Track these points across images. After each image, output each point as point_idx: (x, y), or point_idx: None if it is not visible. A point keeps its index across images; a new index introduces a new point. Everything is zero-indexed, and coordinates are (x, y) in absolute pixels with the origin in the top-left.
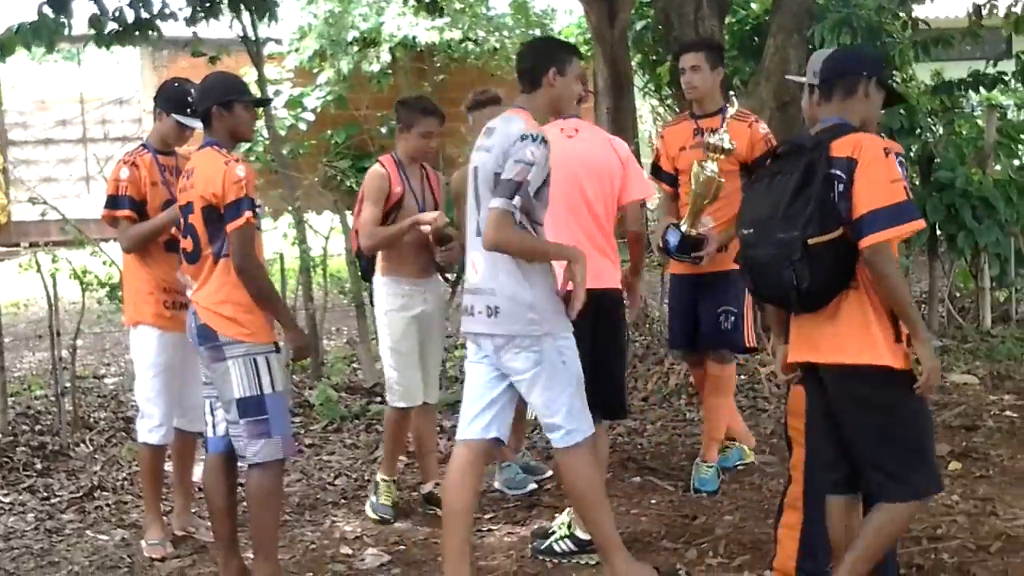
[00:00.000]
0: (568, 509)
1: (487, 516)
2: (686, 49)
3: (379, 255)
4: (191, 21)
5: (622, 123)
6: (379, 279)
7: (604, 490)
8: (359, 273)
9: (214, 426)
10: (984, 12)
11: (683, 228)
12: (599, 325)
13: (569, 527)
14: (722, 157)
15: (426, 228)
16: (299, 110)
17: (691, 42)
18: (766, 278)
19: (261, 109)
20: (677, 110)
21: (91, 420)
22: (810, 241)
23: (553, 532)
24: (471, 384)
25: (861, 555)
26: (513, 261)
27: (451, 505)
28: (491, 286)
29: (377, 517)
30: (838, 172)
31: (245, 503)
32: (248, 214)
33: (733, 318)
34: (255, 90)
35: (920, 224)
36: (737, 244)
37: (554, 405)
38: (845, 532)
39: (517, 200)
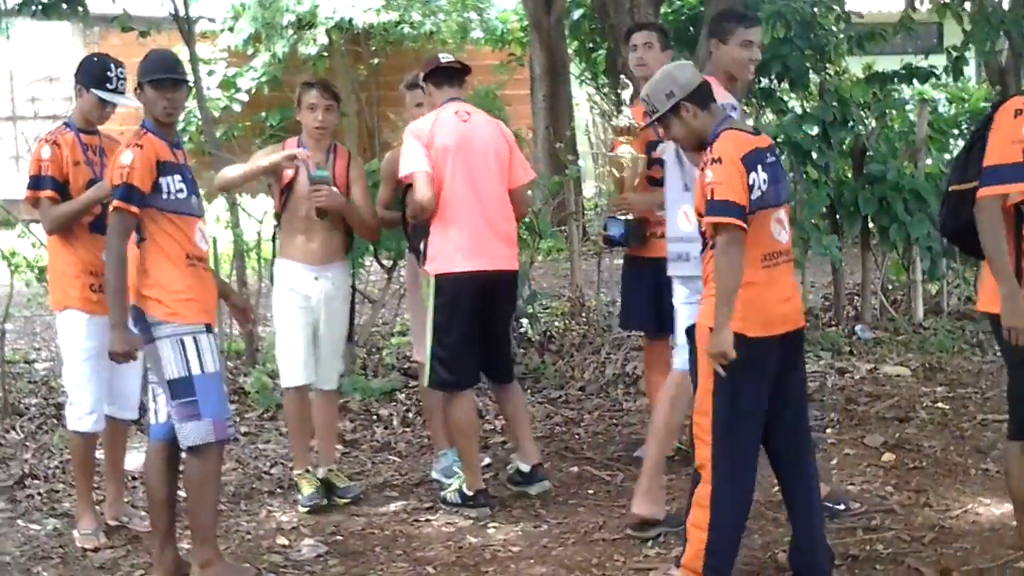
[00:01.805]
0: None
1: (425, 507)
2: (639, 28)
3: (281, 238)
4: None
5: (558, 110)
6: (277, 260)
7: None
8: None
9: (156, 412)
10: (917, 3)
11: (627, 216)
12: (494, 304)
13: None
14: (632, 138)
15: (296, 165)
16: (233, 91)
17: (644, 22)
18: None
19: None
20: (613, 97)
21: (21, 406)
22: (951, 188)
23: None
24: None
25: None
26: None
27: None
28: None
29: (308, 508)
30: (986, 130)
31: (183, 490)
32: (117, 203)
33: None
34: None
35: None
36: None
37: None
38: None
39: None
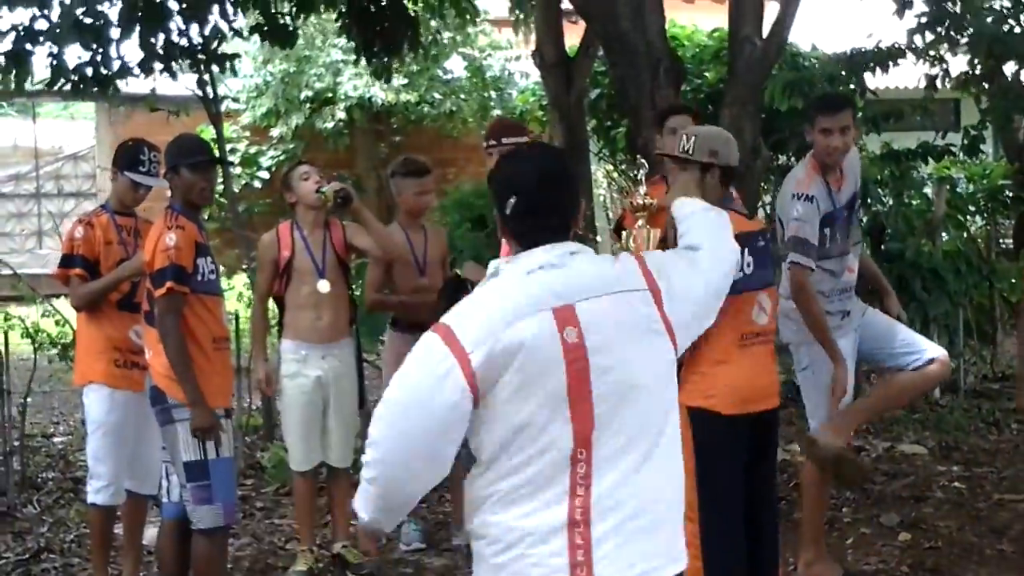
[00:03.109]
0: None
1: None
2: (677, 111)
3: (286, 320)
4: (144, 69)
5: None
6: (283, 342)
7: (824, 491)
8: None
9: (168, 491)
10: (938, 82)
11: None
12: None
13: None
14: (646, 214)
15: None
16: (254, 169)
17: (680, 105)
18: None
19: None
20: (631, 175)
21: (39, 480)
22: None
23: None
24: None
25: None
26: None
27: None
28: None
29: None
30: None
31: (193, 571)
32: (169, 284)
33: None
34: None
35: None
36: None
37: (806, 402)
38: None
39: (798, 256)
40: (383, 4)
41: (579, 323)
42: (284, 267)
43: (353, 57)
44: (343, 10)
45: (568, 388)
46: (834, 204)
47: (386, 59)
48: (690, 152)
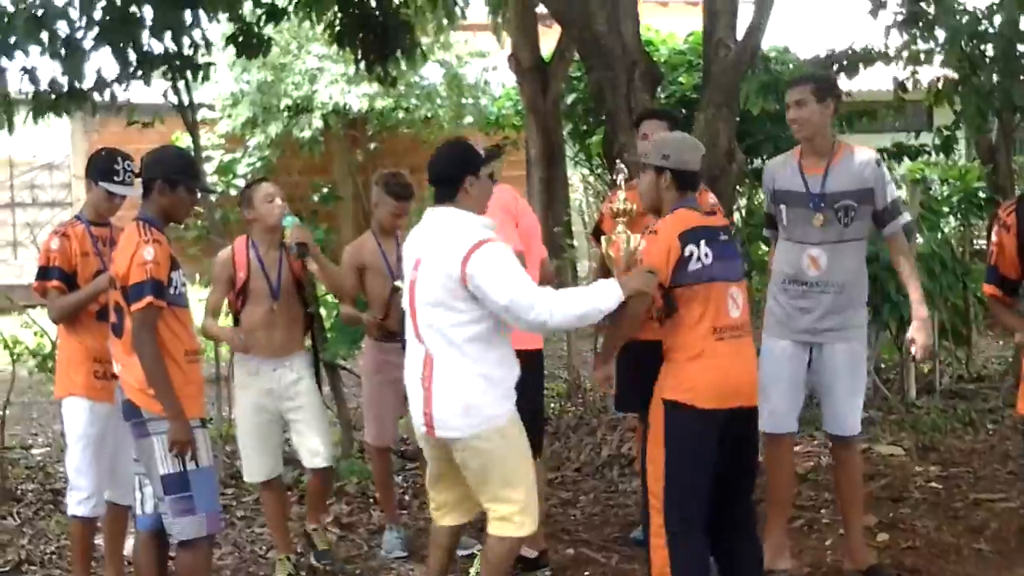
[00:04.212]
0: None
1: None
2: (649, 116)
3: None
4: (120, 80)
5: (554, 192)
6: (236, 356)
7: (789, 483)
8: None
9: (142, 503)
10: (908, 86)
11: None
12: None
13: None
14: (626, 219)
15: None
16: (230, 176)
17: (656, 110)
18: None
19: None
20: (607, 180)
21: (18, 492)
22: None
23: None
24: None
25: None
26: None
27: None
28: None
29: None
30: None
31: None
32: (148, 299)
33: None
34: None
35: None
36: None
37: None
38: None
39: None
40: (376, 12)
41: (419, 266)
42: (240, 288)
43: (329, 64)
44: (335, 20)
45: (410, 297)
46: (795, 185)
47: (385, 67)
48: (645, 156)
